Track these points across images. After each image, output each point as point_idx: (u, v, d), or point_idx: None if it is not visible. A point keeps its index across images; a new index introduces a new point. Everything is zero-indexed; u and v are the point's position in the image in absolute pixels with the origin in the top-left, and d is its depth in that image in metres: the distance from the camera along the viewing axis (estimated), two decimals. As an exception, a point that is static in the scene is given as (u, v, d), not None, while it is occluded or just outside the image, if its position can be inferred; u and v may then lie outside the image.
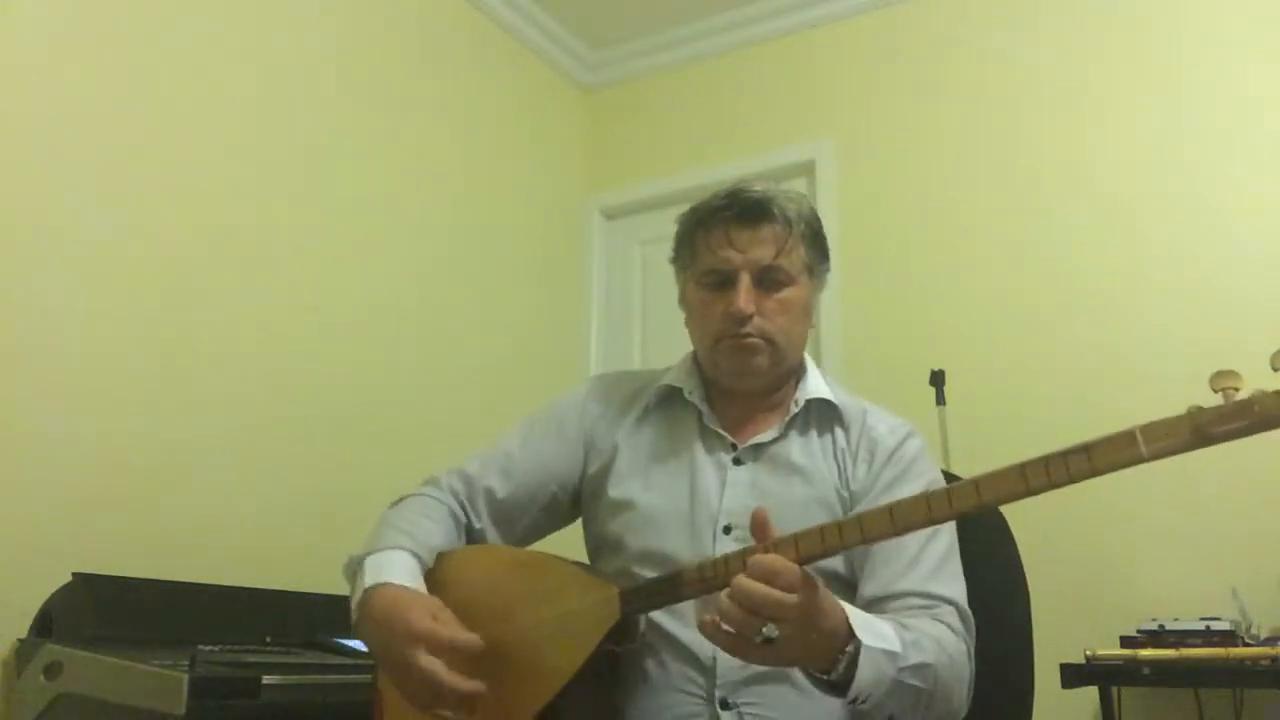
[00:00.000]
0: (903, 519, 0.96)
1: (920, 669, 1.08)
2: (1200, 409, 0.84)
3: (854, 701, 1.04)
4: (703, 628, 0.97)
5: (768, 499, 1.27)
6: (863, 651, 1.03)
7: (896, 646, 1.07)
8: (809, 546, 0.98)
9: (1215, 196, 2.72)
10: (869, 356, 3.07)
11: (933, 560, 1.23)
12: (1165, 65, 2.87)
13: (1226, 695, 2.34)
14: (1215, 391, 0.83)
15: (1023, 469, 0.90)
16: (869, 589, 1.22)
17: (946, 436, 2.50)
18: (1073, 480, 0.88)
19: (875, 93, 3.32)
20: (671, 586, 1.10)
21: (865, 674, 1.03)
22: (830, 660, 1.02)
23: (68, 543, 1.98)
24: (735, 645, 0.96)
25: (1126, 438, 0.86)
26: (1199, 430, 0.83)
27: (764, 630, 0.93)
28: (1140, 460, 0.85)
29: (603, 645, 1.12)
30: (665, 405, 1.41)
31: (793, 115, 3.44)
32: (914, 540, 1.21)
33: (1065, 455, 0.88)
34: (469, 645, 1.10)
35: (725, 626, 0.95)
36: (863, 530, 0.98)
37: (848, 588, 1.26)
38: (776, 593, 0.93)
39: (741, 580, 0.94)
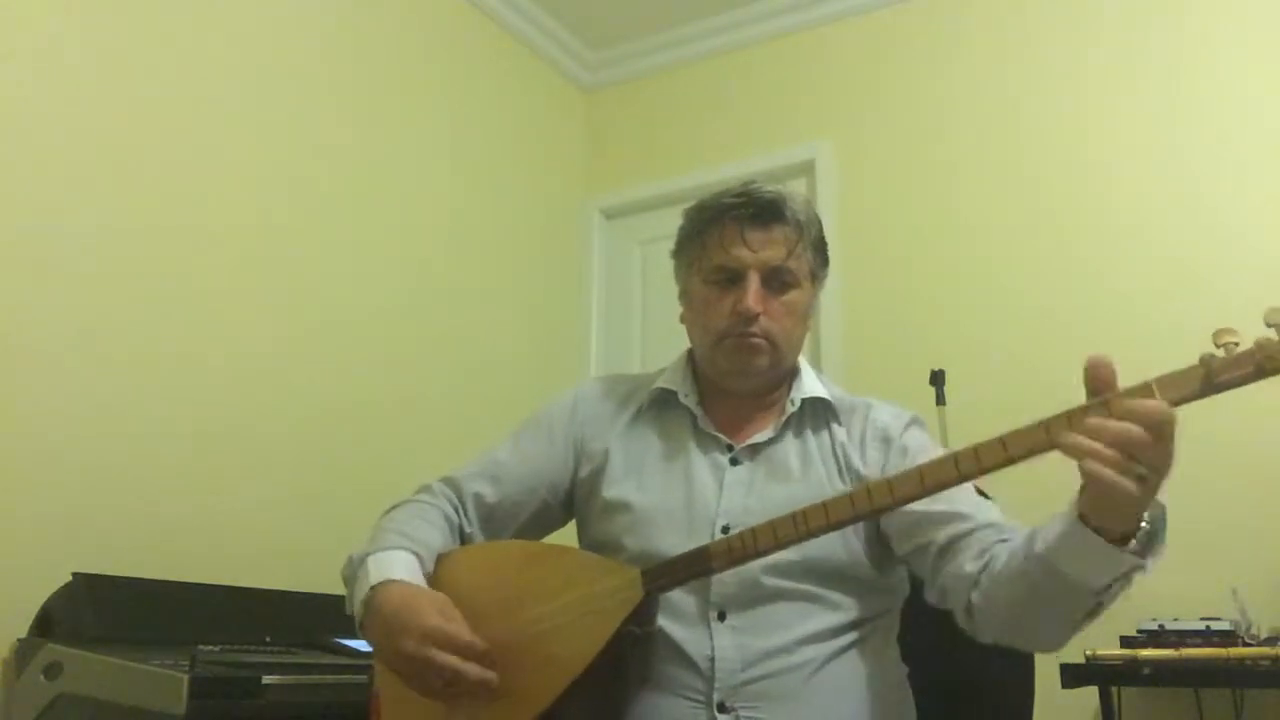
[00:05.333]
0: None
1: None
2: (1211, 356, 0.89)
3: (1136, 570, 0.99)
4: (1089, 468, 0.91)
5: (765, 499, 1.27)
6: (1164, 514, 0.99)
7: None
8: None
9: (1216, 197, 2.72)
10: (869, 356, 3.07)
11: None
12: (1165, 65, 2.87)
13: (1226, 695, 2.34)
14: (1218, 346, 0.89)
15: (1046, 425, 0.93)
16: (949, 530, 1.19)
17: (946, 436, 2.50)
18: None
19: (875, 93, 3.32)
20: (698, 561, 1.11)
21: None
22: (1133, 525, 0.98)
23: (68, 543, 1.98)
24: (1111, 479, 0.90)
25: (1143, 389, 0.92)
26: (1209, 378, 0.89)
27: (1138, 470, 0.90)
28: None
29: (625, 626, 1.12)
30: (658, 408, 1.41)
31: (792, 115, 3.44)
32: (962, 497, 1.20)
33: (1085, 409, 0.93)
34: (473, 647, 1.11)
35: (1103, 466, 0.90)
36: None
37: (847, 580, 1.25)
38: (1159, 440, 0.90)
39: (1132, 429, 0.89)
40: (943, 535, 1.19)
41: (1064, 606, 1.04)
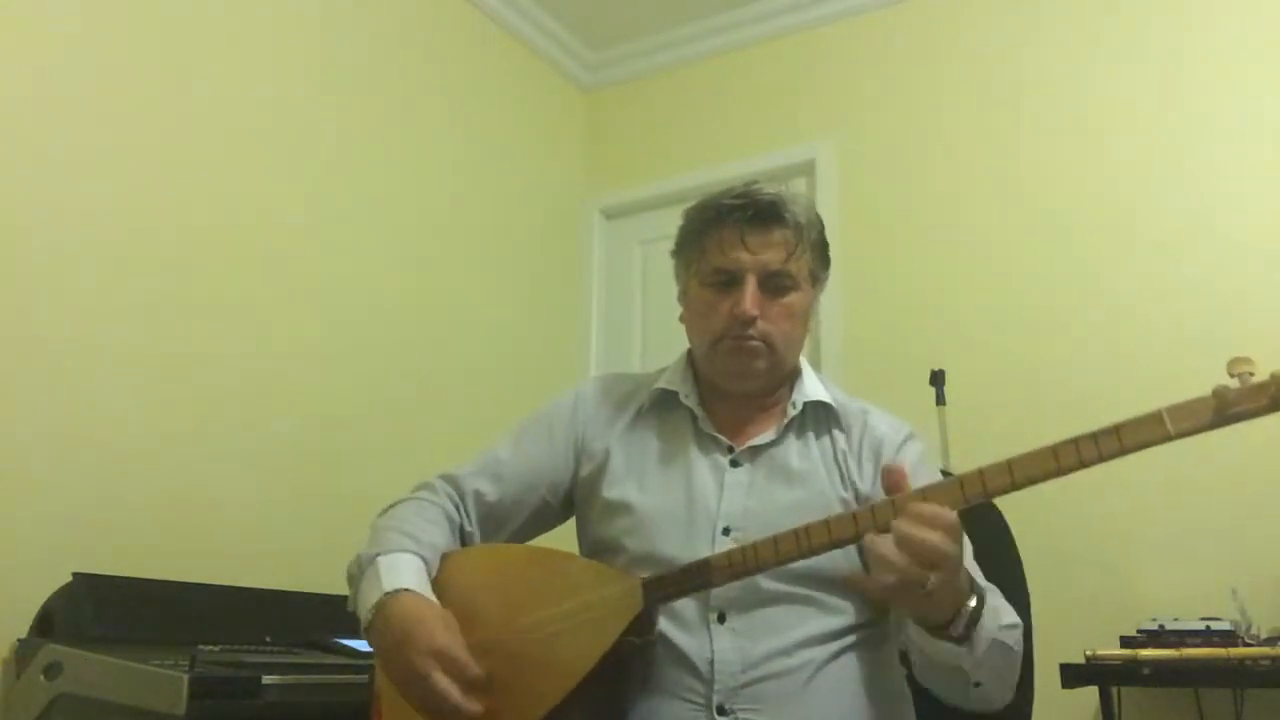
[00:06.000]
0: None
1: (1013, 629, 1.09)
2: (1224, 389, 0.89)
3: (968, 650, 1.05)
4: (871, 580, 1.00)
5: (766, 501, 1.27)
6: (986, 602, 1.05)
7: (998, 603, 1.09)
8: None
9: (1217, 197, 2.72)
10: (869, 356, 3.07)
11: (970, 560, 1.25)
12: (1165, 64, 2.87)
13: (1226, 695, 2.34)
14: (1232, 376, 0.89)
15: (1054, 450, 0.94)
16: None
17: (946, 436, 2.50)
18: (1103, 459, 0.93)
19: (875, 93, 3.32)
20: (699, 574, 1.11)
21: (986, 624, 1.05)
22: (954, 610, 1.04)
23: (68, 543, 1.98)
24: (902, 594, 0.99)
25: (1154, 418, 0.91)
26: (1222, 410, 0.89)
27: (931, 580, 0.96)
28: (1167, 439, 0.91)
29: (624, 636, 1.12)
30: (659, 408, 1.41)
31: (793, 115, 3.44)
32: None
33: (1095, 436, 0.93)
34: (475, 678, 1.11)
35: (890, 577, 0.97)
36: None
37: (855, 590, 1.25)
38: (947, 542, 0.96)
39: (911, 530, 0.96)
40: None
41: (946, 679, 1.10)
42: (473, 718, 1.10)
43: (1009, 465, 0.96)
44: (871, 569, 0.99)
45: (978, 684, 1.08)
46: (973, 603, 1.04)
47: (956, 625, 1.03)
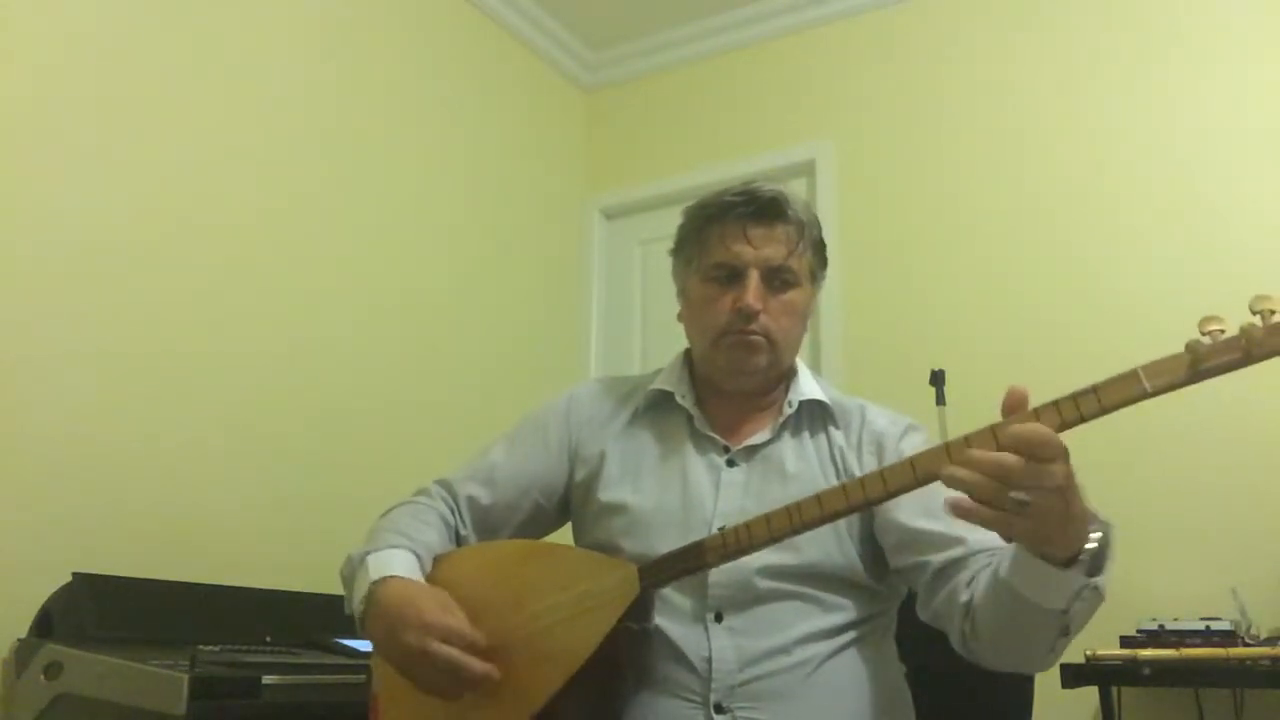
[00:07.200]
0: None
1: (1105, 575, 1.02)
2: (1197, 342, 0.90)
3: (1089, 590, 0.99)
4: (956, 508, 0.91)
5: (762, 501, 1.27)
6: (1112, 536, 0.98)
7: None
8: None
9: (1217, 197, 2.72)
10: (869, 356, 3.07)
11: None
12: (1163, 65, 2.87)
13: (1226, 695, 2.34)
14: (1203, 334, 0.90)
15: (1036, 413, 0.93)
16: (945, 555, 1.18)
17: (946, 436, 2.49)
18: (1083, 419, 0.93)
19: (875, 93, 3.32)
20: (693, 556, 1.11)
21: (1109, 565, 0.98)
22: (1078, 543, 0.97)
23: (68, 543, 1.98)
24: (988, 517, 0.91)
25: (1131, 376, 0.92)
26: (1195, 364, 0.90)
27: (1016, 495, 0.88)
28: (1144, 396, 0.91)
29: (622, 622, 1.12)
30: (655, 409, 1.41)
31: (792, 115, 3.45)
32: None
33: (1075, 396, 0.93)
34: (475, 641, 1.12)
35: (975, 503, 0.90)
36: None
37: (844, 584, 1.25)
38: (1037, 462, 0.88)
39: (998, 455, 0.89)
40: (939, 559, 1.19)
41: (1033, 628, 1.04)
42: (484, 675, 1.10)
43: (993, 431, 0.95)
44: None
45: (1065, 632, 1.03)
46: (1097, 535, 0.98)
47: (1082, 562, 0.97)
